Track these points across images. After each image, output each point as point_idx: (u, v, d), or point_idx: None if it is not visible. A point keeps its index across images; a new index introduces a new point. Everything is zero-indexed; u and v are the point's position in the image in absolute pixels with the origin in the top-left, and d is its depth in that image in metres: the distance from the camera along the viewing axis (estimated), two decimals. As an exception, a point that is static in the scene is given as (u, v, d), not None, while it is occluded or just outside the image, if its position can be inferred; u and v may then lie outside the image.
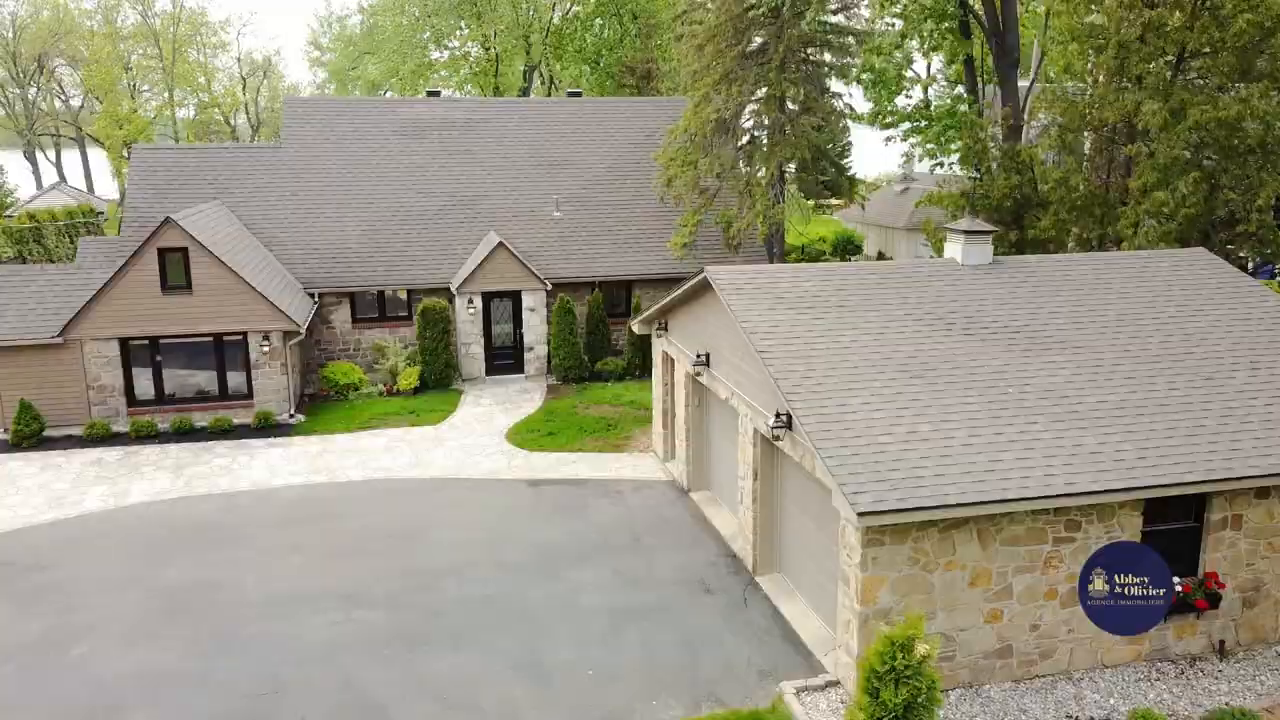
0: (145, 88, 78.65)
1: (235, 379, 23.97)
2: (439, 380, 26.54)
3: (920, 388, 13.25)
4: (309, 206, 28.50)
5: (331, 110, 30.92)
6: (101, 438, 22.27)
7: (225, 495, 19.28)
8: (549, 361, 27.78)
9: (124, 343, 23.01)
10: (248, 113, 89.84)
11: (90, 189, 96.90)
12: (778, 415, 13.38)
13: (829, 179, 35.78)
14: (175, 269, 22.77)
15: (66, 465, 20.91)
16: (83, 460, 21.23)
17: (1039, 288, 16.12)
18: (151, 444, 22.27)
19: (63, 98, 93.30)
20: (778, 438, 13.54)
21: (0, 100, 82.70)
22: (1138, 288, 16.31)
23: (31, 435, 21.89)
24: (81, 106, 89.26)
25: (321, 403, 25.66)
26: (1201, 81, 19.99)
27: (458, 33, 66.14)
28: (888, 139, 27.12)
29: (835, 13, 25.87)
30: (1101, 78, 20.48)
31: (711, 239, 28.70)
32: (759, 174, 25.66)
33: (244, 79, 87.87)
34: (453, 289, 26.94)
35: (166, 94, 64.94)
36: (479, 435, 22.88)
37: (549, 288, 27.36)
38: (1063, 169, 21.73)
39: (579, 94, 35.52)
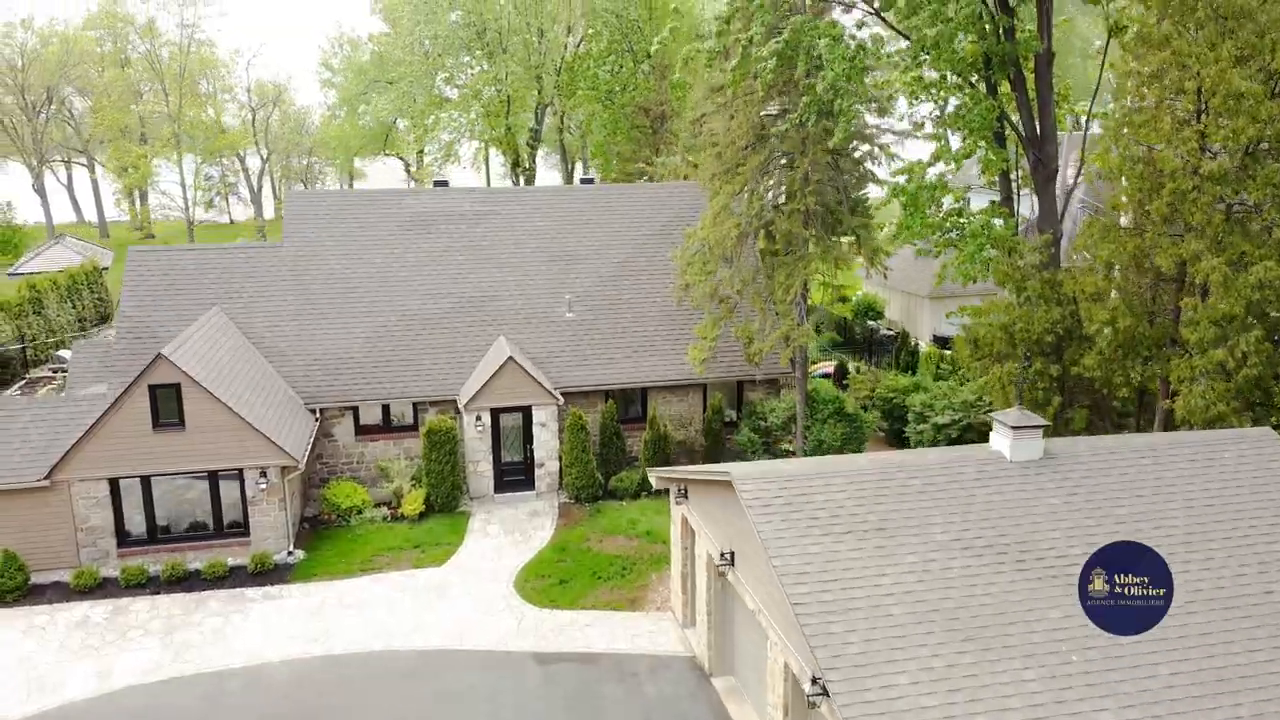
0: (155, 113, 77.71)
1: (231, 513, 22.82)
2: (446, 502, 25.30)
3: (973, 657, 11.90)
4: (311, 311, 27.33)
5: (335, 204, 29.73)
6: (90, 589, 21.10)
7: (215, 676, 18.06)
8: (561, 478, 26.54)
9: (114, 482, 21.89)
10: (257, 145, 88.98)
11: (100, 212, 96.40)
12: (814, 681, 12.07)
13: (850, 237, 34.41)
14: (167, 405, 21.62)
15: (50, 629, 19.75)
16: (68, 620, 20.07)
17: (1095, 493, 14.73)
18: (142, 595, 21.10)
19: (73, 123, 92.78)
20: (814, 704, 12.23)
21: (9, 129, 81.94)
22: (1203, 489, 14.91)
23: (16, 589, 20.76)
24: (90, 137, 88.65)
25: (323, 530, 24.46)
26: (1265, 232, 18.56)
27: (469, 71, 65.03)
28: (918, 252, 25.77)
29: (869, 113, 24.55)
30: (1152, 215, 19.05)
31: (733, 346, 27.38)
32: (780, 292, 24.29)
33: (254, 111, 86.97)
34: (460, 405, 25.72)
35: (174, 127, 63.79)
36: (486, 581, 21.62)
37: (561, 402, 26.11)
38: (1109, 309, 20.32)
39: (592, 181, 34.24)
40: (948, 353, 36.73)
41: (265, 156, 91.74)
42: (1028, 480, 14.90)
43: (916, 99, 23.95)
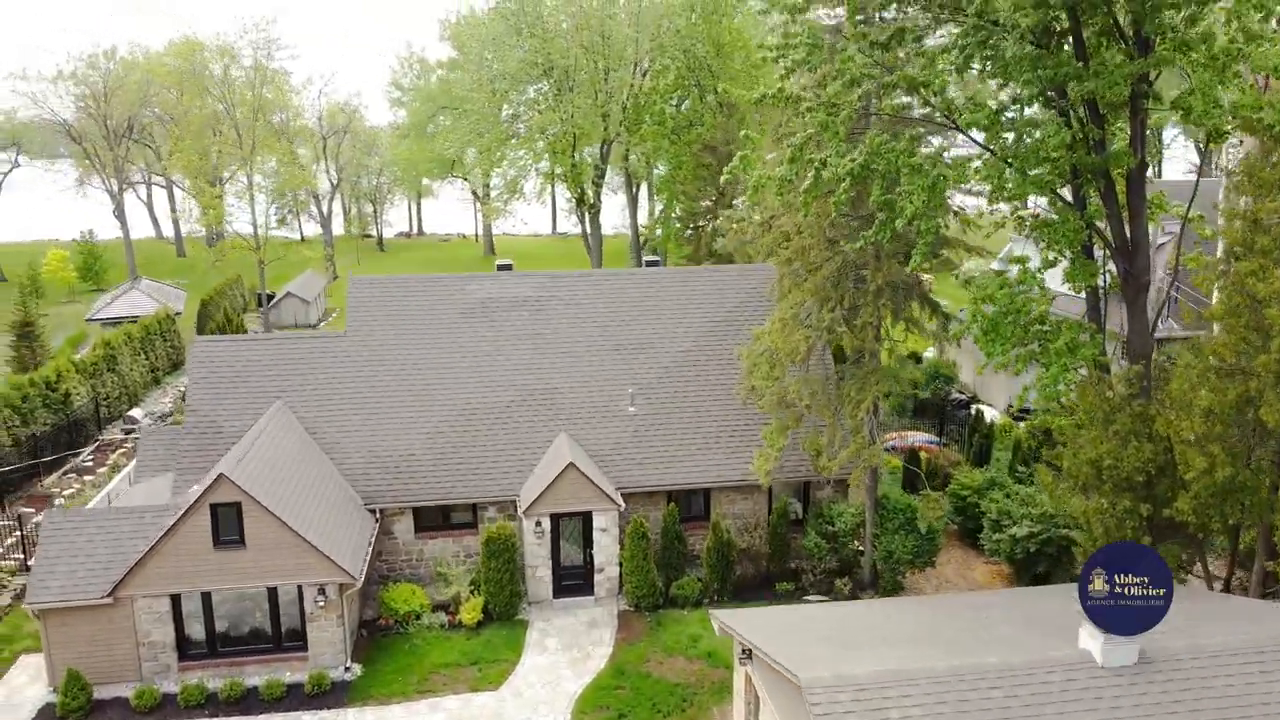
0: (230, 155, 79.09)
1: (290, 624, 22.70)
2: (504, 610, 24.87)
3: None
4: (373, 406, 27.17)
5: (398, 290, 29.56)
6: (150, 709, 21.11)
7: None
8: (620, 583, 25.95)
9: (175, 597, 21.91)
10: (328, 171, 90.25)
11: (178, 233, 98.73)
12: None
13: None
14: (228, 524, 21.56)
15: (110, 756, 19.81)
16: (128, 746, 20.13)
17: (1198, 710, 13.62)
18: (201, 717, 21.07)
19: (152, 145, 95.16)
20: None
21: (92, 155, 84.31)
22: (1317, 708, 13.69)
23: (79, 709, 20.86)
24: (167, 164, 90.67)
25: (381, 637, 24.21)
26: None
27: (535, 108, 64.85)
28: (997, 367, 24.56)
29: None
30: (1260, 371, 17.71)
31: (800, 442, 26.50)
32: (851, 408, 23.36)
33: (324, 139, 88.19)
34: (520, 510, 25.27)
35: (246, 168, 64.62)
36: (543, 714, 21.12)
37: (622, 508, 25.51)
38: (1206, 455, 18.99)
39: (657, 262, 33.60)
40: (1022, 425, 35.28)
41: (335, 182, 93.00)
42: (1121, 692, 13.83)
43: (997, 205, 22.82)
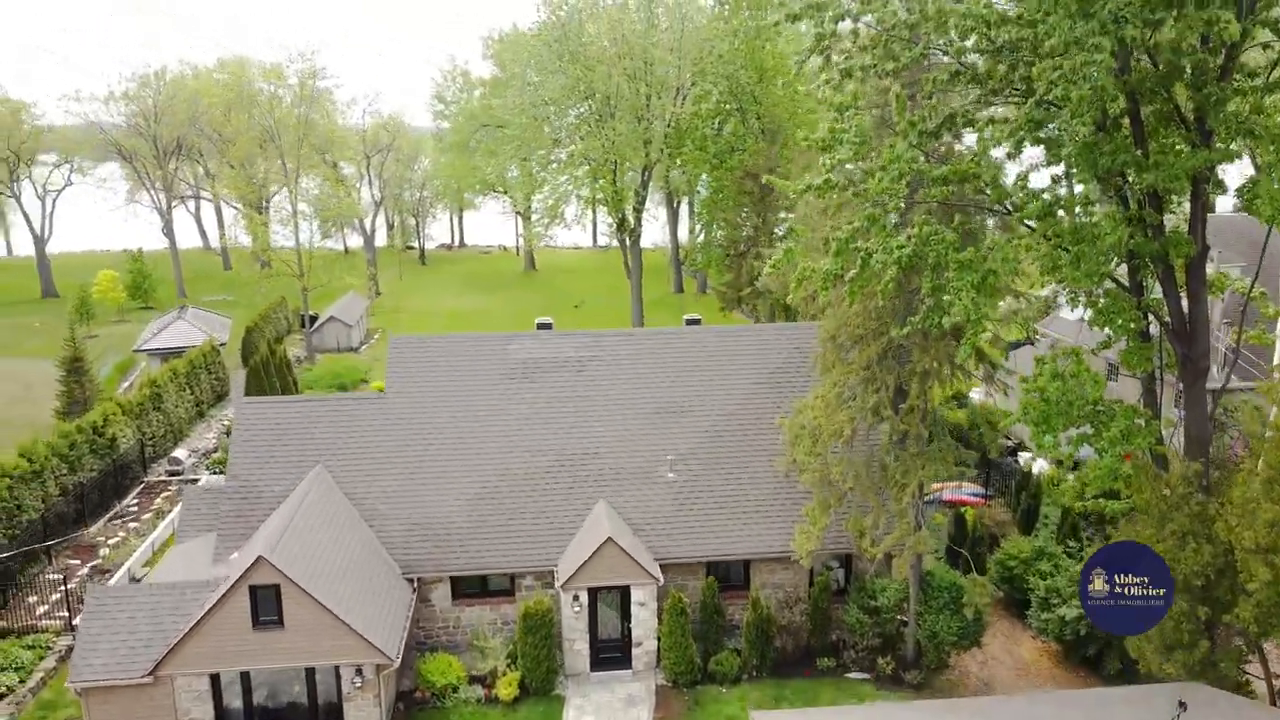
0: (276, 181, 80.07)
1: (328, 701, 22.70)
2: (541, 685, 24.66)
3: None
4: (412, 470, 27.13)
5: (439, 351, 29.49)
6: (188, 790, 21.27)
7: None
8: (658, 657, 25.64)
9: (214, 676, 22.00)
10: (371, 190, 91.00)
11: (224, 249, 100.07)
12: None
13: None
14: (267, 605, 21.60)
15: (149, 843, 19.93)
16: (166, 831, 20.22)
17: None
18: (238, 800, 21.16)
19: (200, 161, 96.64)
20: None
21: (142, 173, 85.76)
22: None
23: (119, 788, 21.06)
24: (214, 181, 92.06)
25: (417, 711, 24.14)
26: None
27: (576, 135, 64.73)
28: (1049, 455, 23.91)
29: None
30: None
31: (843, 516, 26.00)
32: (897, 492, 22.83)
33: (368, 157, 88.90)
34: (558, 584, 25.06)
35: (290, 197, 65.30)
36: (579, 804, 20.91)
37: (660, 582, 25.20)
38: (1270, 566, 18.23)
39: (698, 321, 33.19)
40: (1071, 478, 34.40)
41: (378, 200, 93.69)
42: None
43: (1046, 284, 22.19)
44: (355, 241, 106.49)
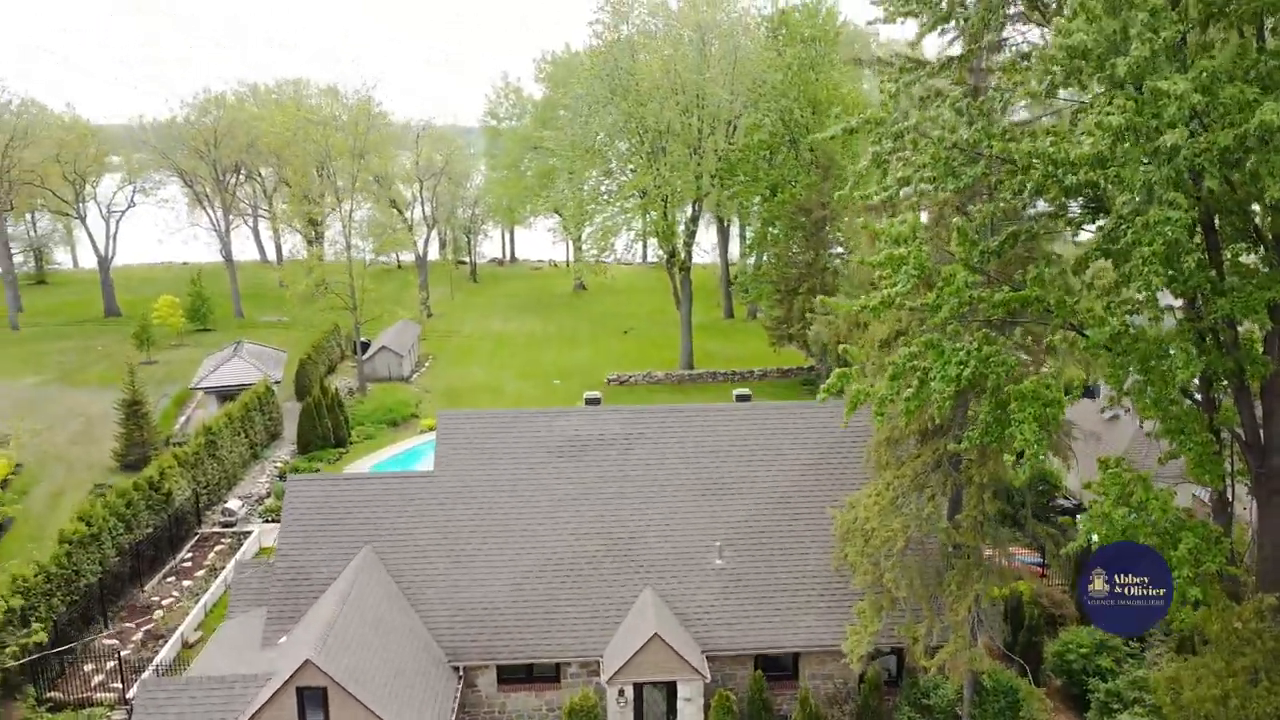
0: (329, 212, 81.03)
1: (372, 797, 22.72)
2: (585, 779, 24.54)
3: None
4: (458, 552, 27.11)
5: (486, 426, 29.44)
6: None
7: None
8: (704, 752, 25.31)
9: (262, 774, 22.13)
10: (424, 213, 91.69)
11: (280, 256, 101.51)
12: None
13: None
14: (314, 707, 21.65)
15: None
16: None
17: None
18: None
19: (259, 178, 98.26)
20: None
21: (202, 196, 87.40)
22: None
23: None
24: (274, 190, 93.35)
25: (461, 805, 24.14)
26: None
27: (628, 168, 64.56)
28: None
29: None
30: None
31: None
32: (952, 608, 22.20)
33: (420, 182, 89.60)
34: (603, 679, 24.83)
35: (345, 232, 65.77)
36: None
37: (708, 679, 24.84)
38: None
39: (748, 397, 32.75)
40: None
41: (431, 224, 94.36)
42: None
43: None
44: (408, 256, 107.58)
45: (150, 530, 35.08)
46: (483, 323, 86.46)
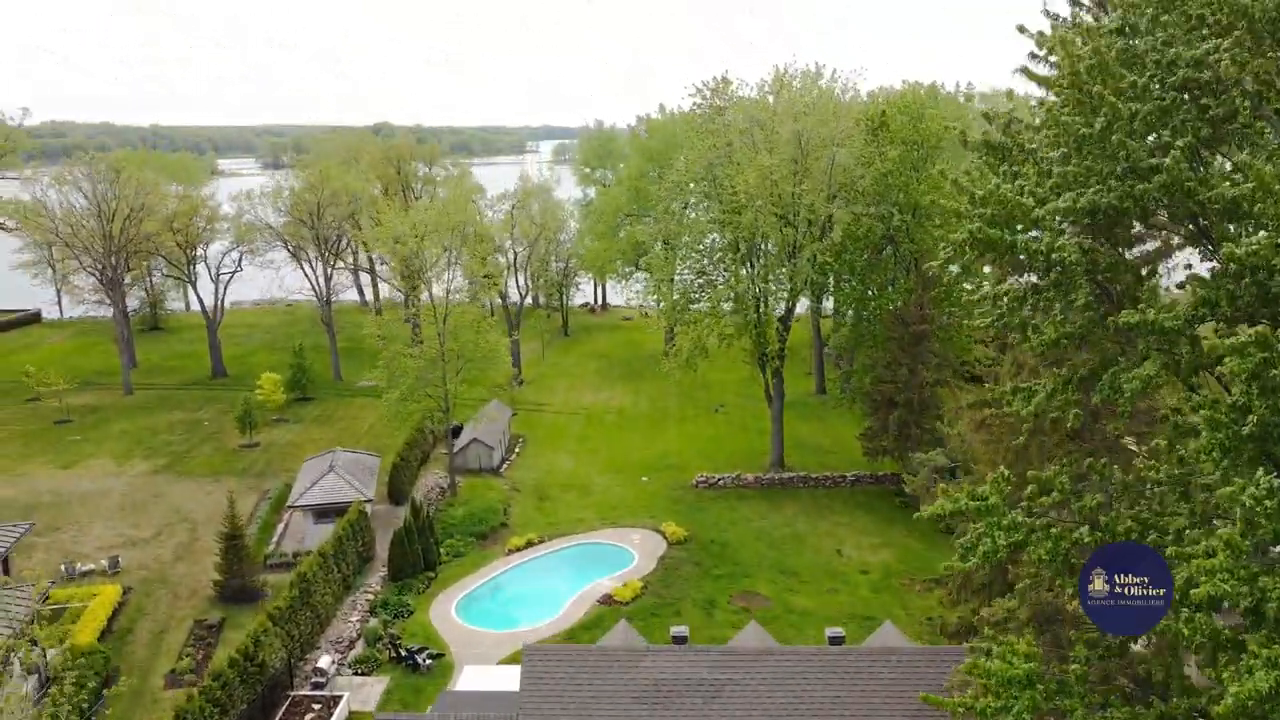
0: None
1: None
2: None
3: None
4: (540, 809, 26.88)
5: (573, 665, 29.11)
6: None
7: None
8: None
9: None
10: (519, 283, 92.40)
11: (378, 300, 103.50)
12: None
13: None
14: None
15: None
16: None
17: None
18: None
19: (360, 229, 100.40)
20: None
21: (306, 262, 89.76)
22: None
23: None
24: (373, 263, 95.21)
25: None
26: None
27: (722, 270, 63.64)
28: None
29: None
30: None
31: None
32: None
33: (515, 251, 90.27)
34: None
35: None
36: None
37: None
38: None
39: (841, 639, 31.66)
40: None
41: (525, 291, 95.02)
42: None
43: None
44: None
45: (244, 708, 35.86)
46: (572, 394, 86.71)
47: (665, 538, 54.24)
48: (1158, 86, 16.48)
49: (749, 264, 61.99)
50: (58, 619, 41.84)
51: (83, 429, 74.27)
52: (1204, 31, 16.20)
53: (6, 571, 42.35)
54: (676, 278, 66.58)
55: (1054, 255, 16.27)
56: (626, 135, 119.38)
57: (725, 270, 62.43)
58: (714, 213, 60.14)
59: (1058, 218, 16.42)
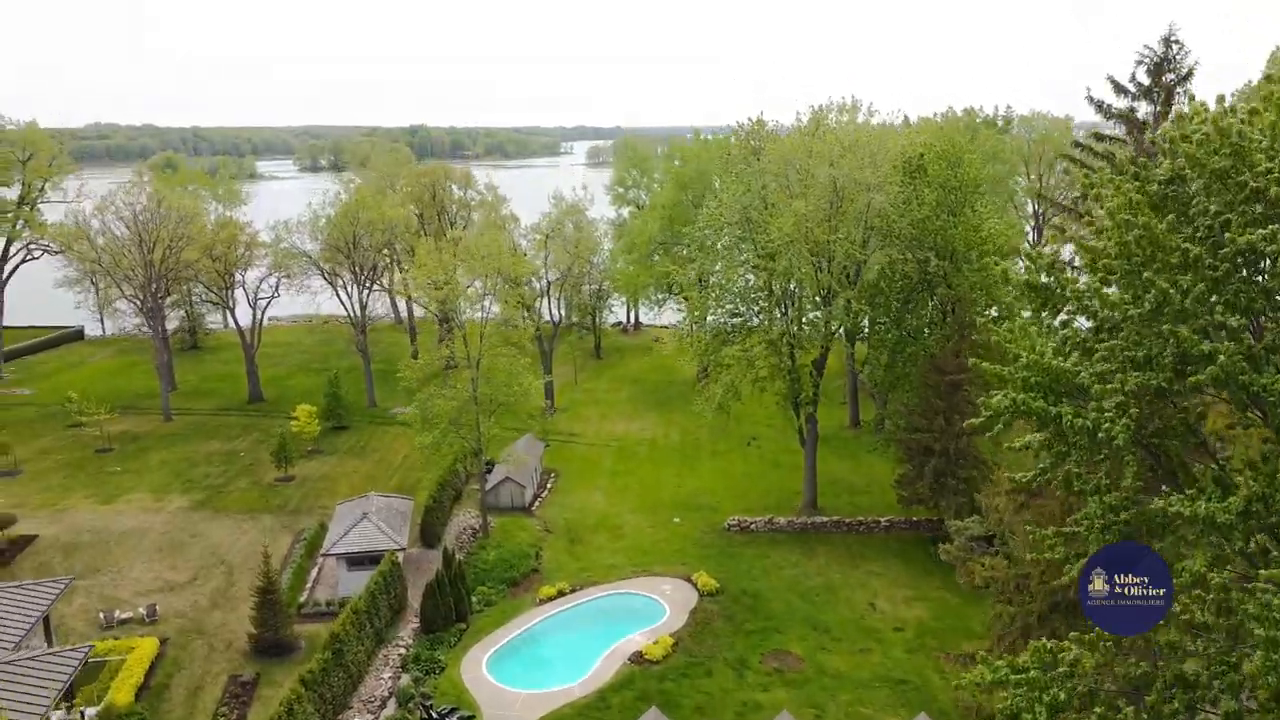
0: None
1: None
2: None
3: None
4: None
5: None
6: None
7: None
8: None
9: None
10: (551, 309, 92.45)
11: (411, 327, 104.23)
12: None
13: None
14: None
15: None
16: None
17: None
18: None
19: (394, 256, 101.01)
20: None
21: (340, 291, 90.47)
22: None
23: None
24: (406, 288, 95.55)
25: None
26: None
27: (755, 308, 63.23)
28: None
29: None
30: None
31: None
32: None
33: (549, 282, 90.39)
34: None
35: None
36: None
37: None
38: None
39: None
40: None
41: (560, 318, 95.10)
42: None
43: None
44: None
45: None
46: (605, 424, 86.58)
47: (697, 588, 53.99)
48: (1210, 258, 15.98)
49: (782, 307, 61.53)
50: (95, 676, 42.47)
51: (123, 458, 75.34)
52: (1259, 208, 15.68)
53: (48, 629, 43.04)
54: (710, 318, 66.25)
55: (1100, 434, 15.83)
56: (663, 145, 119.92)
57: (759, 314, 62.01)
58: (747, 254, 59.72)
59: (1104, 397, 15.98)
